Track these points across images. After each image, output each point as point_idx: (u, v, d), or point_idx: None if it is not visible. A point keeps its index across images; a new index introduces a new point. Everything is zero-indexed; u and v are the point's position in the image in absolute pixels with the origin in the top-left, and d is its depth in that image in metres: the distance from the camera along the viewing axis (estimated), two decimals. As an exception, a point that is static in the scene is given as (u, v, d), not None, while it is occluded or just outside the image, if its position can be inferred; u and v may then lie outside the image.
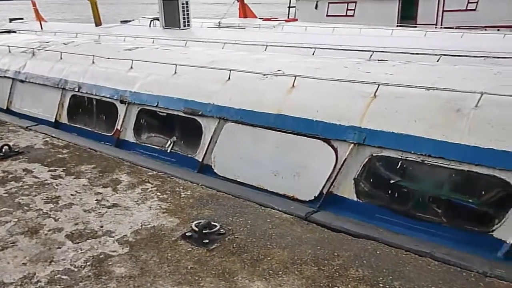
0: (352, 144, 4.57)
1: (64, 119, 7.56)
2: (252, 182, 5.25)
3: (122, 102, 6.59)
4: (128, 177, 4.67)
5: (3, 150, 5.40)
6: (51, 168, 4.96)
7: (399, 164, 4.38)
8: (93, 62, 7.44)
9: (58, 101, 7.57)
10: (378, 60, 6.33)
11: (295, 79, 5.25)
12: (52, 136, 6.12)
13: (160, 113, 6.21)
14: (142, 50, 7.98)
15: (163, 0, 13.69)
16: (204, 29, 14.61)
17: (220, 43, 8.68)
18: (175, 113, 6.00)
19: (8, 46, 9.14)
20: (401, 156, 4.34)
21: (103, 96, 6.89)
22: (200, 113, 5.71)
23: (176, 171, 4.94)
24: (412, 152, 4.25)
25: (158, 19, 14.56)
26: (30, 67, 8.33)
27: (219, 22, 16.48)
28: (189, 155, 5.88)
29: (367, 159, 4.54)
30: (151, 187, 4.42)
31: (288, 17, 20.32)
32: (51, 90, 7.73)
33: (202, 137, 5.74)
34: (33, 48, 8.74)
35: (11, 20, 21.32)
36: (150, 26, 15.08)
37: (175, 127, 6.17)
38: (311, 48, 7.74)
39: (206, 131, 5.71)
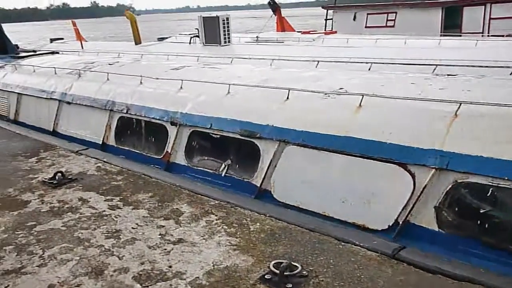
0: (433, 169, 4.14)
1: (111, 141, 7.39)
2: (316, 209, 4.89)
3: (172, 123, 6.36)
4: (190, 208, 4.38)
5: (57, 177, 5.21)
6: (108, 197, 4.72)
7: (489, 191, 3.93)
8: (140, 82, 7.27)
9: (105, 123, 7.42)
10: (448, 74, 5.90)
11: (362, 98, 4.88)
12: (104, 161, 5.92)
13: (214, 135, 5.94)
14: (189, 69, 7.78)
15: (204, 17, 13.60)
16: (244, 45, 14.43)
17: (268, 59, 8.41)
18: (230, 135, 5.72)
19: (54, 67, 9.13)
20: (492, 183, 3.89)
21: (152, 118, 6.68)
22: (258, 135, 5.40)
23: (240, 200, 4.61)
24: (506, 178, 3.81)
25: (198, 36, 14.50)
26: (77, 88, 8.25)
27: (257, 37, 16.29)
28: (246, 180, 5.57)
29: (450, 186, 4.10)
30: (216, 219, 4.11)
31: (325, 29, 19.98)
32: (98, 111, 7.60)
33: (260, 160, 5.42)
34: (79, 69, 8.68)
35: (51, 40, 21.82)
36: (190, 43, 15.02)
37: (230, 150, 5.88)
38: (366, 63, 7.36)
39: (264, 154, 5.39)
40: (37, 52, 12.58)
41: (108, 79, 7.86)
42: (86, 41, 19.40)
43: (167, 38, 19.88)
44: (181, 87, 6.66)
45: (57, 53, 12.73)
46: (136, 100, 7.02)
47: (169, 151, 6.39)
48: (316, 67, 8.07)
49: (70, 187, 5.06)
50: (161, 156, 6.53)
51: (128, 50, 14.46)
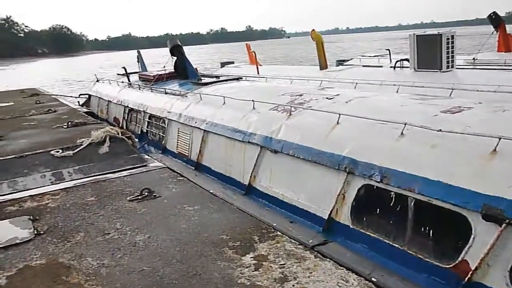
0: None
1: (344, 219, 4.84)
2: None
3: (488, 218, 3.53)
4: None
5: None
6: None
7: None
8: (401, 133, 4.61)
9: (337, 191, 4.90)
10: None
11: None
12: (373, 282, 3.31)
13: None
14: (474, 112, 4.88)
15: (418, 35, 10.68)
16: (468, 71, 11.11)
17: None
18: None
19: (252, 100, 7.01)
20: None
21: (434, 199, 3.93)
22: None
23: None
24: None
25: (406, 60, 11.62)
26: (287, 132, 5.94)
27: (473, 59, 12.80)
28: None
29: None
30: None
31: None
32: (325, 171, 5.14)
33: None
34: (289, 106, 6.40)
35: (222, 64, 20.83)
36: (394, 68, 12.18)
37: None
38: None
39: None
40: (221, 78, 10.92)
41: (338, 122, 5.38)
42: (261, 65, 17.77)
43: (347, 60, 17.42)
44: (494, 150, 3.80)
45: (241, 78, 10.93)
46: (399, 164, 4.35)
47: (472, 262, 3.57)
48: None
49: None
50: (451, 265, 3.75)
51: (316, 76, 12.14)
